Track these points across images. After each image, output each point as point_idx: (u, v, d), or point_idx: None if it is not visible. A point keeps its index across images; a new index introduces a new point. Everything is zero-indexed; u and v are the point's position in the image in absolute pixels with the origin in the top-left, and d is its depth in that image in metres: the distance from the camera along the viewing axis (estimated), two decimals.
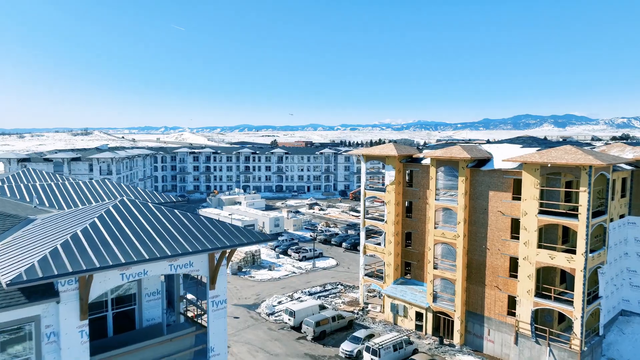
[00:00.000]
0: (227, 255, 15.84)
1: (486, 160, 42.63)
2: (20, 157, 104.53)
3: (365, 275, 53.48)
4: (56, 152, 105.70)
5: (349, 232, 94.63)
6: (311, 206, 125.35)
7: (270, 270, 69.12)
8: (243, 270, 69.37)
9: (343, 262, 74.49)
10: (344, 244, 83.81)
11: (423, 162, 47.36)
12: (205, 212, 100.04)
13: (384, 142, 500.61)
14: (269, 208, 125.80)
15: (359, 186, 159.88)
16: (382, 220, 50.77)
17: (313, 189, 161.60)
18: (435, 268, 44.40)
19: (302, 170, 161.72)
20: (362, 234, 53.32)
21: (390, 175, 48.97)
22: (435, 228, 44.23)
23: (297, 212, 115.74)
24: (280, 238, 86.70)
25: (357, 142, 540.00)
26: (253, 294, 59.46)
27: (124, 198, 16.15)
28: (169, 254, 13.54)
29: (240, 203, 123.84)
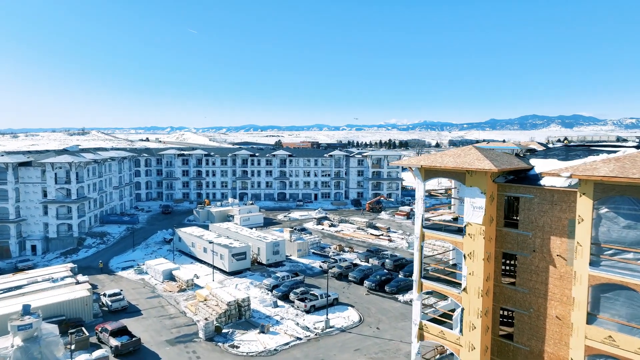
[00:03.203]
0: None
1: None
2: None
3: None
4: (2, 155, 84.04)
5: (370, 260, 72.11)
6: (320, 221, 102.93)
7: (263, 332, 46.66)
8: (224, 332, 47.04)
9: (368, 315, 52.01)
10: (366, 283, 61.30)
11: (545, 182, 24.89)
12: (185, 232, 77.92)
13: (393, 143, 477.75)
14: (268, 223, 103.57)
15: (376, 194, 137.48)
16: (457, 286, 28.26)
17: (321, 197, 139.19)
18: None
19: (308, 175, 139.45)
20: (416, 307, 30.82)
21: (474, 204, 26.50)
22: (590, 323, 21.71)
23: (303, 229, 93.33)
24: (279, 272, 64.45)
25: (366, 143, 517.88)
26: None
27: None
28: None
29: (233, 217, 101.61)
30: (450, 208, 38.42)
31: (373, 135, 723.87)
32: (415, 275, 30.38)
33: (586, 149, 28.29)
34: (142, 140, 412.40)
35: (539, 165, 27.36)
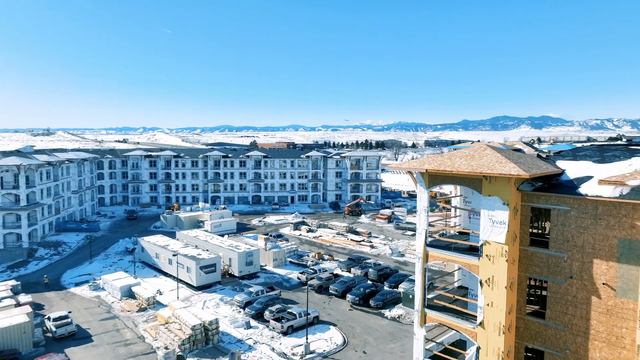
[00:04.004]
0: None
1: None
2: None
3: None
4: None
5: (352, 270, 66.56)
6: (297, 226, 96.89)
7: None
8: None
9: (353, 336, 46.35)
10: (349, 296, 55.61)
11: (587, 191, 19.67)
12: (148, 241, 70.68)
13: (370, 143, 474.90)
14: (242, 228, 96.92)
15: (355, 196, 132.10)
16: (471, 319, 22.81)
17: (298, 199, 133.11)
18: None
19: (284, 176, 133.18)
20: (419, 345, 25.19)
21: (494, 218, 21.12)
22: None
23: (279, 236, 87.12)
24: (253, 286, 58.19)
25: (342, 143, 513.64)
26: None
27: None
28: None
29: (203, 223, 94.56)
30: (445, 219, 33.15)
31: (349, 136, 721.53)
32: (417, 305, 24.80)
33: (624, 148, 23.28)
34: (118, 141, 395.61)
35: (570, 169, 22.20)
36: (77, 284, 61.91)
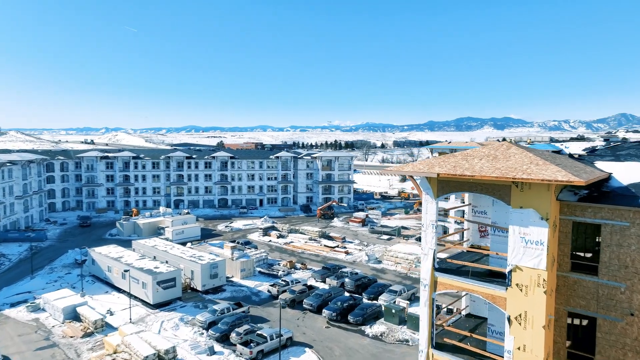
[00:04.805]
0: None
1: None
2: None
3: None
4: None
5: (328, 280, 61.27)
6: (266, 231, 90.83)
7: None
8: None
9: (332, 359, 41.00)
10: (325, 312, 50.19)
11: None
12: (100, 252, 63.15)
13: (339, 143, 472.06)
14: (207, 234, 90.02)
15: (327, 199, 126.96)
16: None
17: (267, 202, 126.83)
18: None
19: (252, 178, 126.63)
20: None
21: (527, 237, 16.17)
22: None
23: (247, 243, 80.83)
24: (218, 302, 52.03)
25: (311, 144, 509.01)
26: None
27: None
28: None
29: (164, 230, 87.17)
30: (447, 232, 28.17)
31: (318, 136, 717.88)
32: (423, 345, 19.64)
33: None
34: (86, 142, 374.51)
35: (617, 172, 17.55)
36: (12, 305, 53.82)
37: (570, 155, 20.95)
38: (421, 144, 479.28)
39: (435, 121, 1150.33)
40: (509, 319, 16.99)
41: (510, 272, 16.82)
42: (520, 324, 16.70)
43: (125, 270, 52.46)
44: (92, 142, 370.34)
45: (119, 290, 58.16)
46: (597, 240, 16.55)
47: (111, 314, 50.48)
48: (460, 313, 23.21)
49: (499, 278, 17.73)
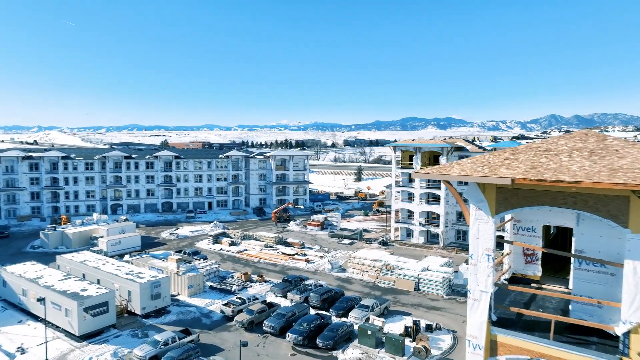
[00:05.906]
0: None
1: None
2: None
3: None
4: None
5: (290, 295, 54.10)
6: (217, 239, 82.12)
7: None
8: None
9: None
10: (290, 335, 43.05)
11: None
12: (13, 272, 52.29)
13: (290, 142, 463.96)
14: (148, 244, 79.99)
15: (282, 200, 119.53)
16: None
17: (217, 205, 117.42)
18: None
19: (200, 179, 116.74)
20: None
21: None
22: None
23: (195, 252, 71.94)
24: (160, 331, 43.45)
25: (260, 143, 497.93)
26: None
27: None
28: None
29: (97, 240, 76.25)
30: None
31: (267, 135, 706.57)
32: None
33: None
34: (23, 142, 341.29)
35: None
36: None
37: None
38: (371, 142, 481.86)
39: (382, 121, 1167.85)
40: None
41: (627, 333, 10.63)
42: None
43: (39, 300, 42.56)
44: (36, 142, 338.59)
45: (36, 318, 47.91)
46: None
47: (22, 351, 40.58)
48: None
49: (594, 337, 11.53)
